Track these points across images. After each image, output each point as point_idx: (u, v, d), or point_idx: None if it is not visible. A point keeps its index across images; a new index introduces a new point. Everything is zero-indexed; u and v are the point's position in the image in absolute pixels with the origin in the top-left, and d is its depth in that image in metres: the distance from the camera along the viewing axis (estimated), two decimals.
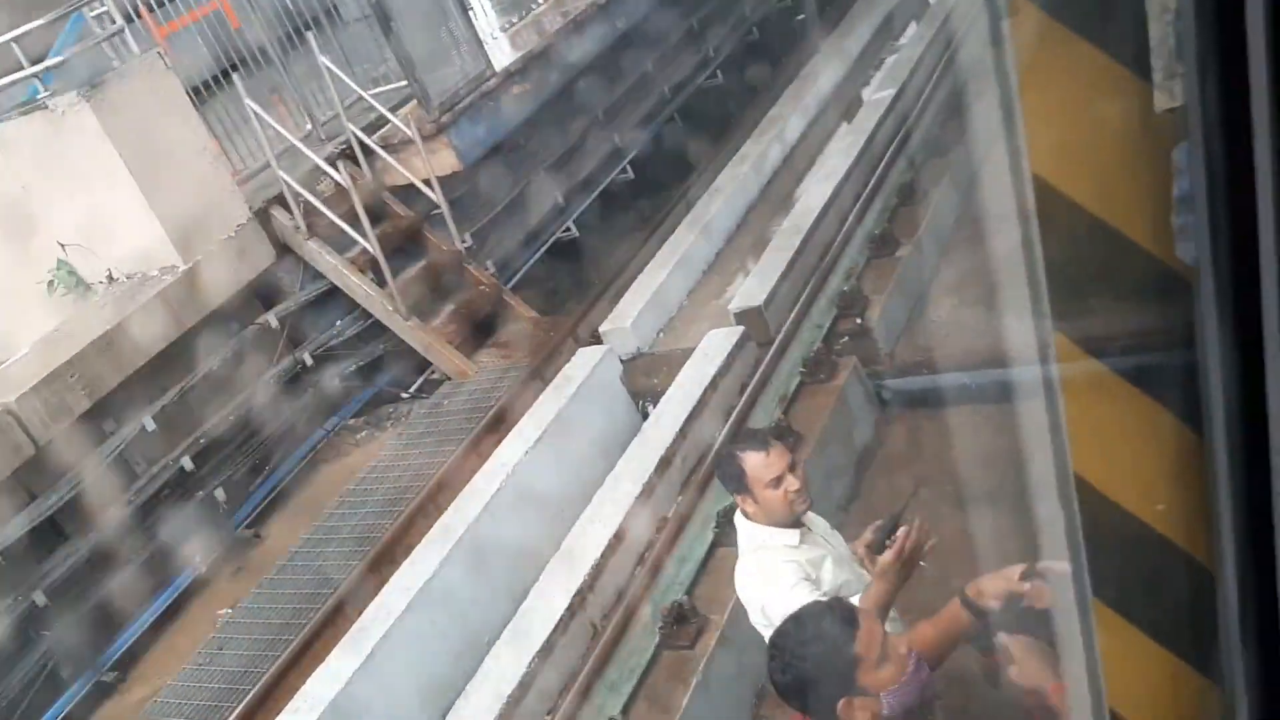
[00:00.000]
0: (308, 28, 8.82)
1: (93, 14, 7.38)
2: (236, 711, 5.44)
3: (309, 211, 8.05)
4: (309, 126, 8.99)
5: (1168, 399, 1.25)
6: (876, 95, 9.36)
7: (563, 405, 6.50)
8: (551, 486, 6.16)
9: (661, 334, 7.64)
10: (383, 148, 8.58)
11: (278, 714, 4.97)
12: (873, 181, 8.13)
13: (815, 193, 8.08)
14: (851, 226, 7.69)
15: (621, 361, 7.20)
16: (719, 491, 5.58)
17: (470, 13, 9.28)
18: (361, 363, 8.43)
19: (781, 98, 10.23)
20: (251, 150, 8.50)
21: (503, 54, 9.54)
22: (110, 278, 7.58)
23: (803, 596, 3.09)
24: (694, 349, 6.82)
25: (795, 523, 3.29)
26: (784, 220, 7.90)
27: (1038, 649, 2.61)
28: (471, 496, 5.99)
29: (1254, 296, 1.01)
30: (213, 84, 8.63)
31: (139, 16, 8.11)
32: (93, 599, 6.64)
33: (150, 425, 7.13)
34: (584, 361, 6.94)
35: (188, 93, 7.88)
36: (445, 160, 8.64)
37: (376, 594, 5.49)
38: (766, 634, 3.38)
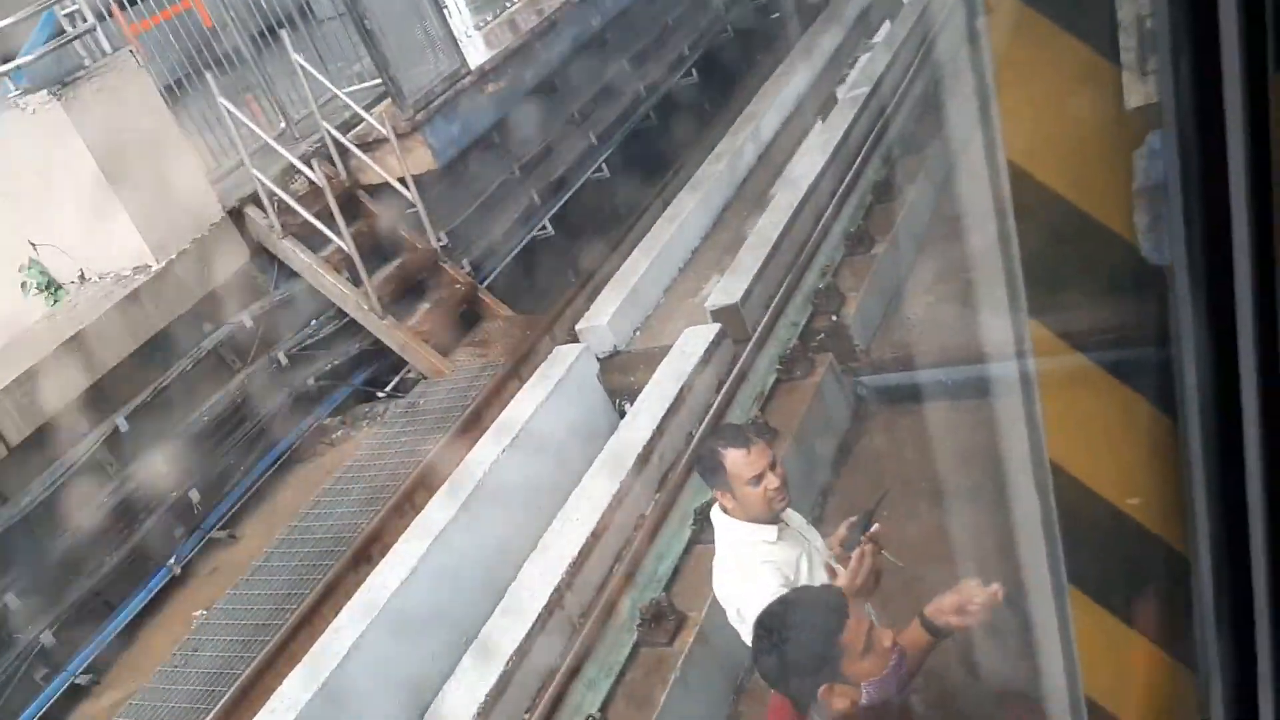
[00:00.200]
0: (281, 26, 8.77)
1: (64, 13, 7.30)
2: (212, 713, 5.40)
3: (283, 210, 8.01)
4: (283, 125, 8.94)
5: (1144, 387, 1.26)
6: (851, 93, 9.39)
7: (539, 403, 6.49)
8: (528, 485, 6.15)
9: (638, 332, 7.64)
10: (358, 146, 8.54)
11: (254, 715, 4.95)
12: (848, 178, 8.16)
13: (791, 190, 8.11)
14: (827, 224, 7.71)
15: (598, 359, 7.20)
16: (697, 488, 5.60)
17: (445, 10, 9.24)
18: (337, 362, 8.39)
19: (757, 95, 10.25)
20: (225, 149, 8.44)
21: (477, 52, 9.52)
22: (83, 277, 7.52)
23: (750, 599, 3.10)
24: (671, 347, 6.82)
25: (774, 520, 3.30)
26: (760, 218, 7.91)
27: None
28: (448, 495, 5.97)
29: (1227, 286, 1.02)
30: (186, 82, 8.57)
31: (110, 15, 8.04)
32: (66, 601, 6.58)
33: (124, 426, 7.08)
34: (560, 360, 6.93)
35: (160, 92, 7.82)
36: (420, 158, 8.61)
37: (353, 593, 5.47)
38: (742, 630, 3.40)
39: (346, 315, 8.30)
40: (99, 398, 7.04)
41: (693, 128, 10.95)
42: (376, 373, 8.58)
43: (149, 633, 6.74)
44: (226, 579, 6.80)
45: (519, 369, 7.56)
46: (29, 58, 7.11)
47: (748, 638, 3.37)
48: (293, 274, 8.21)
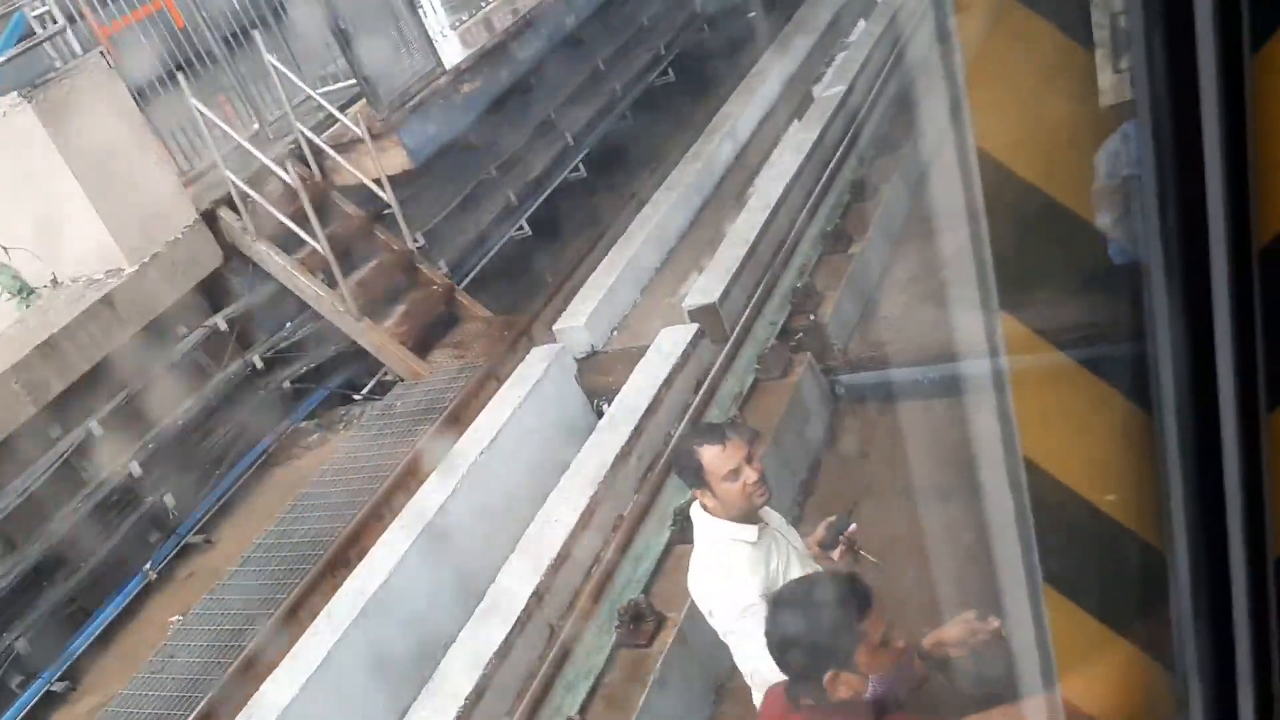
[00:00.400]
0: (254, 26, 8.70)
1: (34, 14, 7.23)
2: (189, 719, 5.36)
3: (257, 212, 7.95)
4: (256, 126, 8.88)
5: (1119, 381, 1.25)
6: (827, 92, 9.41)
7: (517, 405, 6.47)
8: (506, 486, 6.13)
9: (616, 332, 7.63)
10: (332, 147, 8.49)
11: None
12: (825, 178, 8.17)
13: (768, 189, 8.10)
14: (804, 223, 7.72)
15: (576, 360, 7.18)
16: (675, 489, 5.59)
17: (419, 10, 9.20)
18: (313, 365, 8.35)
19: (733, 95, 10.26)
20: (199, 151, 8.37)
21: (453, 51, 9.49)
22: (55, 281, 7.44)
23: (754, 603, 3.09)
24: (649, 347, 6.81)
25: (754, 517, 3.28)
26: (737, 217, 7.91)
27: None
28: (426, 498, 5.95)
29: (1204, 279, 1.00)
30: (158, 84, 8.49)
31: (81, 17, 7.96)
32: (41, 607, 6.52)
33: (97, 430, 7.02)
34: (538, 360, 6.91)
35: (132, 94, 7.75)
36: (395, 159, 8.57)
37: (331, 598, 5.44)
38: (715, 626, 3.39)
39: (322, 318, 8.24)
40: (72, 403, 6.97)
41: (669, 127, 10.94)
42: (353, 375, 8.54)
43: (125, 639, 6.68)
44: (203, 584, 6.75)
45: (497, 370, 7.53)
46: None
47: (723, 636, 3.37)
48: (268, 276, 8.15)
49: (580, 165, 10.72)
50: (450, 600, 5.48)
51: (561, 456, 6.19)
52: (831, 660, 2.46)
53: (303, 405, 8.32)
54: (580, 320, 7.41)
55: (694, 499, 3.39)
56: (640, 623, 5.02)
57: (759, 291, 7.11)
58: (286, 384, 8.19)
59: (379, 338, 8.11)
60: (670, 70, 12.20)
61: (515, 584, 5.24)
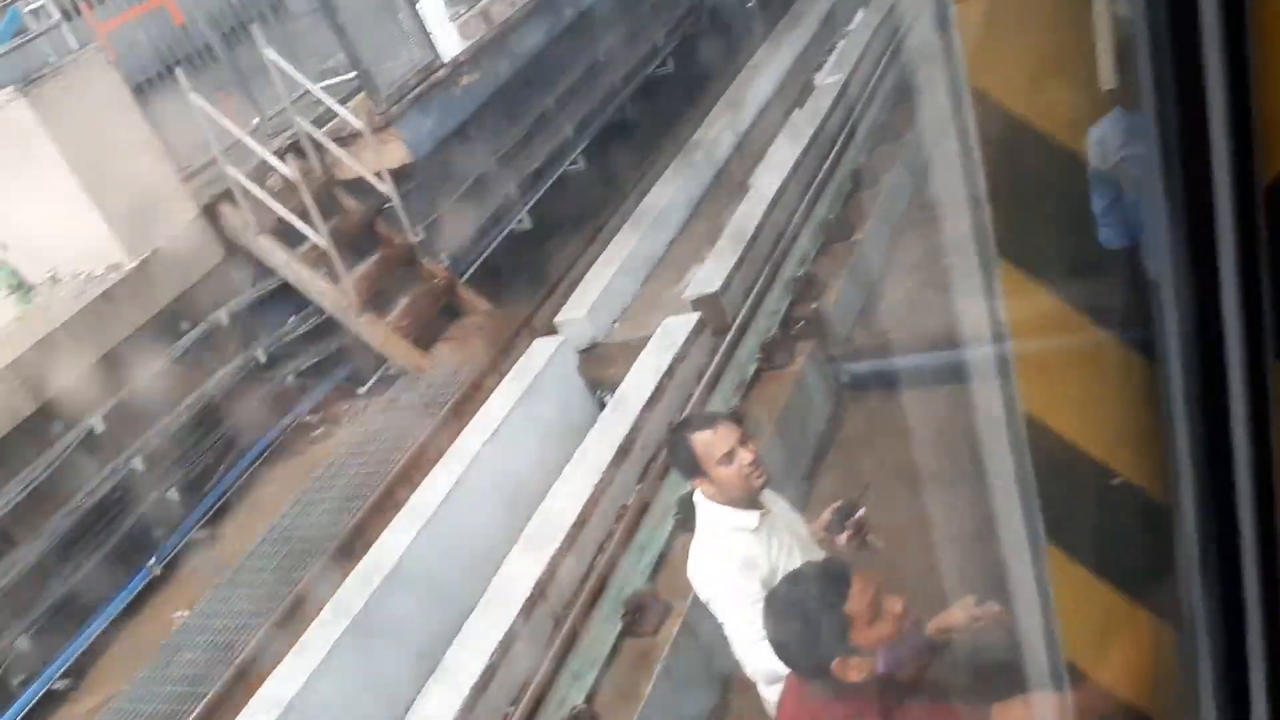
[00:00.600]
0: (253, 21, 8.67)
1: (28, 9, 7.21)
2: (194, 715, 5.35)
3: (258, 207, 7.92)
4: (256, 121, 8.85)
5: (1120, 328, 1.22)
6: (828, 80, 9.37)
7: (519, 397, 6.44)
8: (510, 478, 6.11)
9: (617, 324, 7.61)
10: (332, 141, 8.46)
11: (235, 717, 4.89)
12: (826, 166, 8.15)
13: (769, 179, 8.08)
14: (806, 212, 7.70)
15: (577, 352, 7.15)
16: (678, 479, 5.56)
17: (417, 2, 9.17)
18: (316, 359, 8.33)
19: (733, 84, 10.22)
20: (198, 145, 8.34)
21: (451, 44, 9.44)
22: (54, 278, 7.43)
23: (751, 593, 3.08)
24: (650, 337, 6.78)
25: (754, 502, 3.27)
26: (738, 207, 7.88)
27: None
28: (429, 491, 5.92)
29: (1207, 218, 0.97)
30: (157, 80, 8.47)
31: (78, 12, 7.94)
32: (44, 605, 6.51)
33: (99, 427, 7.01)
34: (540, 353, 6.87)
35: (132, 90, 7.73)
36: (395, 152, 8.54)
37: (335, 592, 5.42)
38: (715, 613, 3.37)
39: (324, 312, 8.22)
40: (74, 399, 6.96)
41: (670, 117, 10.91)
42: (356, 369, 8.52)
43: (129, 635, 6.67)
44: (207, 579, 6.73)
45: (499, 363, 7.51)
46: None
47: (723, 623, 3.36)
48: (269, 271, 8.13)
49: (580, 157, 10.69)
50: (455, 592, 5.46)
51: (564, 448, 6.17)
52: (830, 650, 2.44)
53: (306, 399, 8.30)
54: (581, 312, 7.40)
55: (695, 488, 3.38)
56: (645, 612, 5.01)
57: (761, 280, 7.09)
58: (290, 378, 8.17)
59: (381, 332, 8.09)
60: (670, 61, 12.15)
61: (519, 575, 5.23)
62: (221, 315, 7.82)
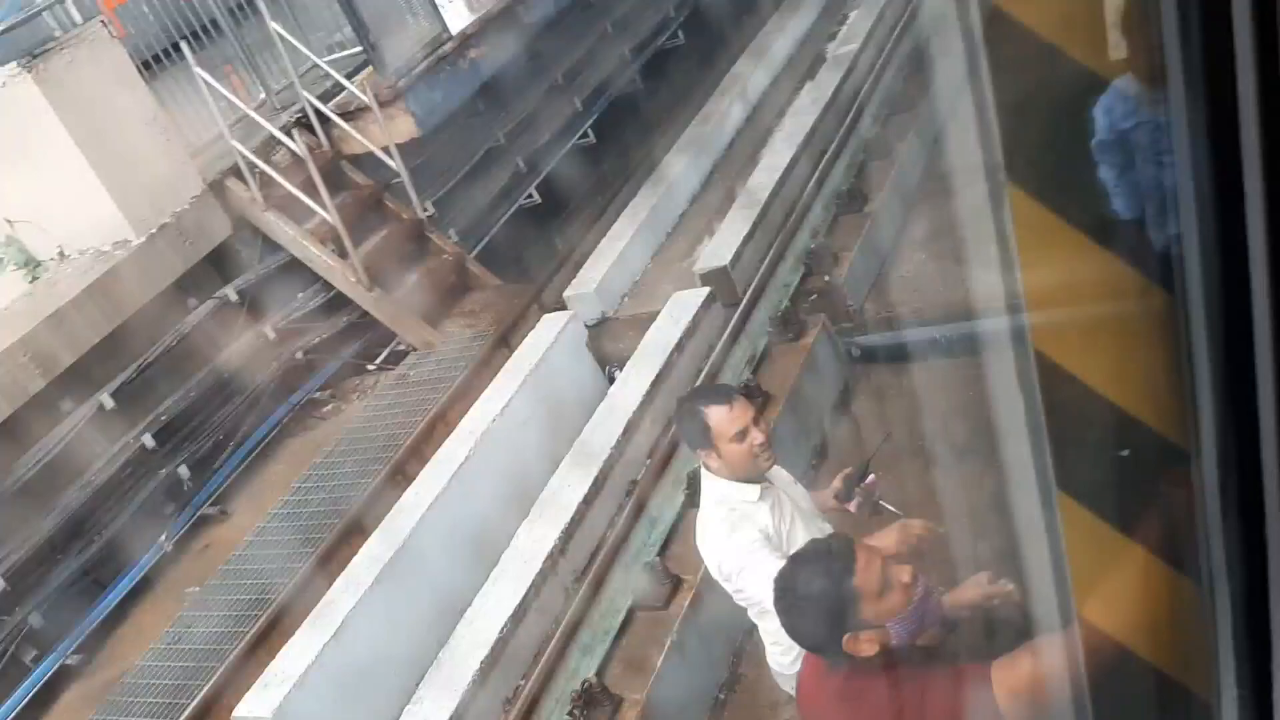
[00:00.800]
0: None
1: None
2: (205, 689, 5.36)
3: (266, 183, 7.89)
4: (263, 95, 8.81)
5: (1137, 257, 1.15)
6: (840, 50, 9.28)
7: (529, 372, 6.41)
8: (519, 453, 6.09)
9: (626, 298, 7.56)
10: (339, 115, 8.41)
11: (246, 690, 4.90)
12: (839, 137, 8.07)
13: (780, 150, 8.02)
14: (818, 183, 7.63)
15: (586, 327, 7.11)
16: (688, 454, 5.53)
17: None
18: (325, 335, 8.30)
19: (745, 56, 10.13)
20: (205, 121, 8.30)
21: (459, 16, 9.36)
22: (62, 254, 7.41)
23: (759, 556, 3.07)
24: (660, 312, 6.74)
25: (758, 478, 3.26)
26: (749, 179, 7.81)
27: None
28: (440, 466, 5.91)
29: (1230, 121, 0.90)
30: (163, 55, 8.43)
31: None
32: (55, 581, 6.52)
33: (109, 403, 7.00)
34: (549, 328, 6.84)
35: (137, 65, 7.69)
36: (403, 127, 8.49)
37: (346, 567, 5.42)
38: (722, 581, 3.36)
39: (334, 288, 8.19)
40: (83, 375, 6.95)
41: (680, 89, 10.82)
42: (366, 345, 8.50)
43: (141, 611, 6.68)
44: (219, 555, 6.74)
45: (508, 338, 7.49)
46: None
47: (733, 595, 3.35)
48: (278, 247, 8.10)
49: (590, 130, 10.61)
50: (466, 566, 5.45)
51: (574, 423, 6.15)
52: (841, 626, 2.41)
53: (316, 376, 8.28)
54: (591, 287, 7.35)
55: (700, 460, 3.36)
56: (657, 586, 4.99)
57: (772, 253, 7.04)
58: (300, 355, 8.15)
59: (391, 307, 8.06)
60: (680, 33, 12.04)
61: (530, 549, 5.22)
62: (229, 291, 7.79)
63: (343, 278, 8.03)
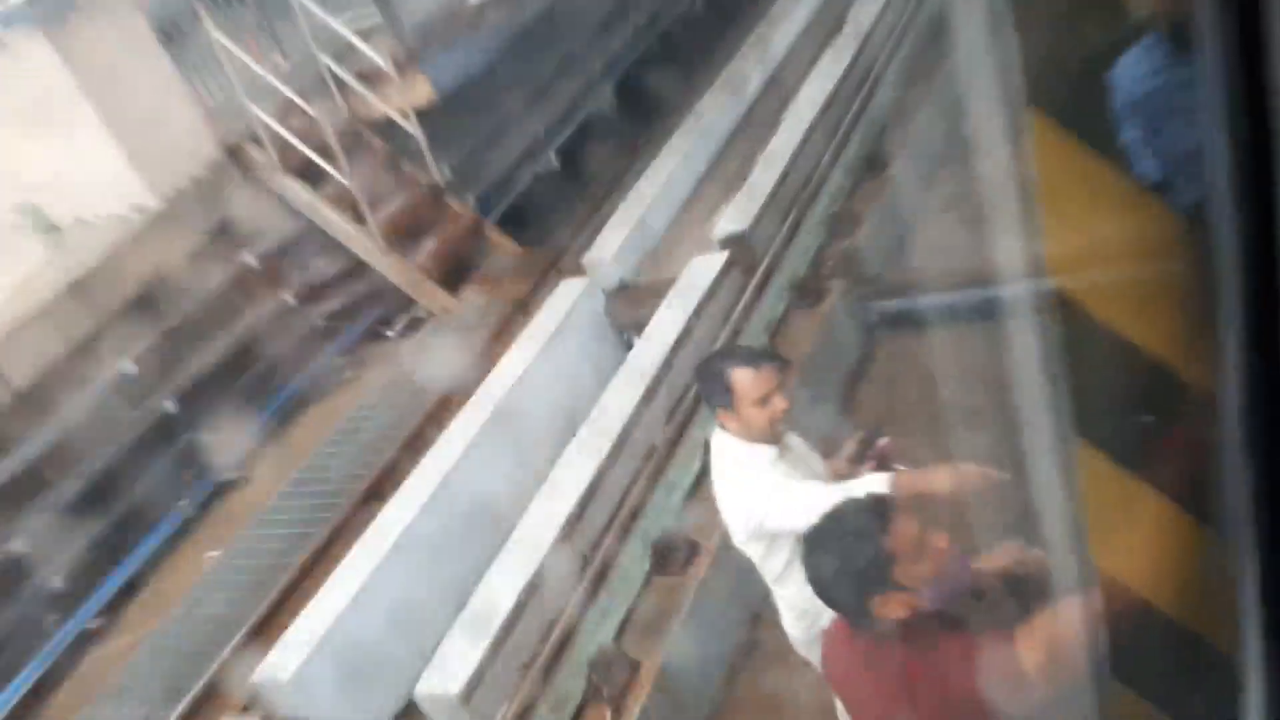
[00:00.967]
0: None
1: None
2: (225, 652, 5.40)
3: (283, 148, 7.87)
4: (280, 60, 8.77)
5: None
6: (861, 14, 9.15)
7: (546, 338, 6.40)
8: (537, 419, 6.09)
9: (645, 264, 7.52)
10: (357, 79, 8.37)
11: (266, 654, 4.93)
12: (860, 101, 7.98)
13: (801, 114, 7.93)
14: (839, 147, 7.55)
15: (604, 293, 7.08)
16: (706, 419, 5.51)
17: None
18: (344, 302, 8.31)
19: (765, 20, 10.02)
20: (222, 85, 8.28)
21: None
22: (81, 220, 7.43)
23: (787, 487, 3.11)
24: (678, 278, 6.70)
25: (775, 441, 3.25)
26: (769, 143, 7.74)
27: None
28: (457, 432, 5.91)
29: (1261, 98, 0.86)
30: (180, 20, 8.39)
31: None
32: (76, 546, 6.58)
33: (130, 369, 7.03)
34: (566, 294, 6.82)
35: (155, 29, 7.66)
36: (420, 91, 8.44)
37: (365, 532, 5.44)
38: (750, 551, 3.35)
39: (352, 254, 8.19)
40: (102, 342, 6.98)
41: (701, 53, 10.71)
42: (385, 312, 8.50)
43: (162, 576, 6.74)
44: (239, 521, 6.78)
45: (526, 304, 7.47)
46: None
47: (752, 555, 3.34)
48: (296, 213, 8.09)
49: (609, 94, 10.53)
50: (483, 531, 5.45)
51: (591, 389, 6.13)
52: (873, 587, 2.38)
53: (335, 342, 8.30)
54: (608, 253, 7.31)
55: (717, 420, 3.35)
56: (673, 551, 4.99)
57: (791, 218, 6.98)
58: (319, 321, 8.16)
59: (409, 273, 8.06)
60: None
61: (547, 514, 5.21)
62: (247, 257, 7.80)
63: (360, 243, 8.03)
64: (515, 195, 9.40)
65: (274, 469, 7.32)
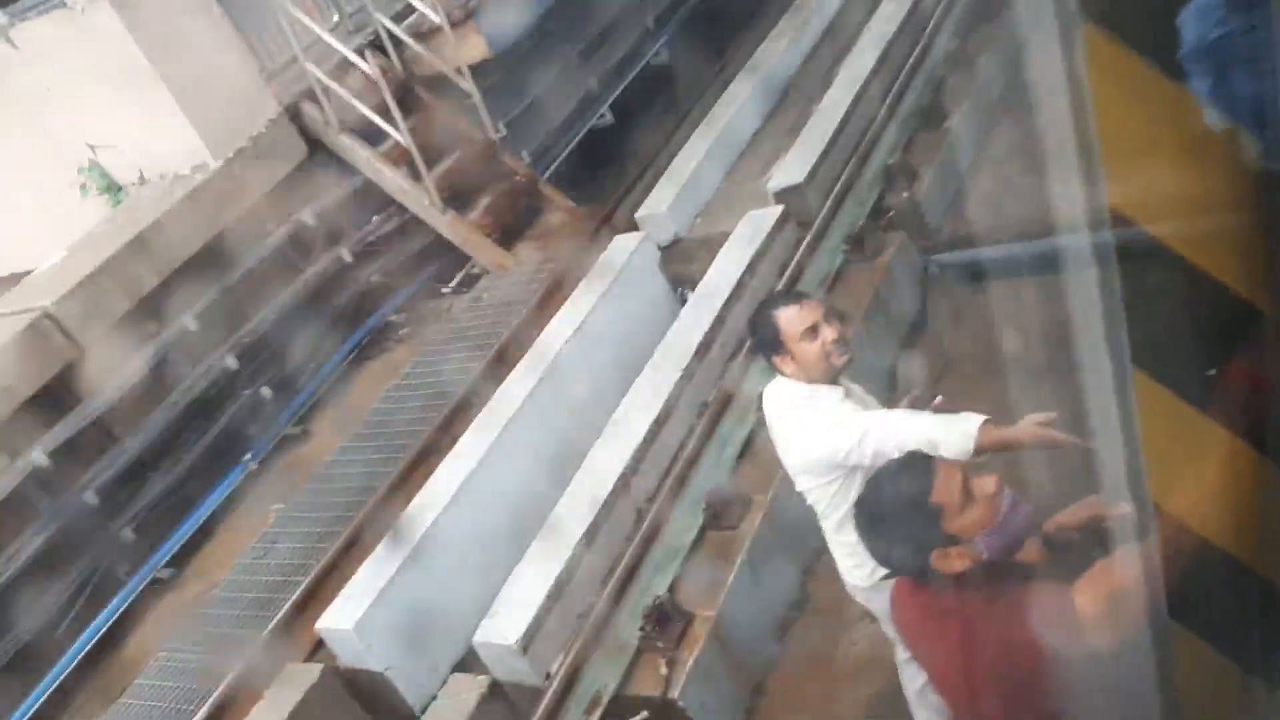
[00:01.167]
0: None
1: None
2: (290, 600, 5.51)
3: (340, 106, 7.90)
4: (336, 18, 8.78)
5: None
6: None
7: (601, 294, 6.41)
8: (592, 375, 6.11)
9: (699, 218, 7.49)
10: (412, 37, 8.37)
11: (329, 603, 5.04)
12: (918, 51, 7.84)
13: (858, 65, 7.81)
14: (896, 98, 7.44)
15: (659, 248, 7.07)
16: (760, 375, 5.49)
17: None
18: (400, 259, 8.36)
19: None
20: (280, 45, 8.32)
21: None
22: (142, 178, 7.54)
23: (847, 411, 3.12)
24: (733, 232, 6.66)
25: (835, 379, 3.24)
26: (825, 95, 7.63)
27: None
28: (514, 387, 5.96)
29: None
30: None
31: None
32: (144, 500, 6.74)
33: (192, 325, 7.15)
34: (621, 249, 6.81)
35: None
36: (475, 47, 8.43)
37: (423, 487, 5.51)
38: (815, 495, 3.33)
39: (408, 211, 8.23)
40: (166, 298, 7.10)
41: (758, 3, 10.55)
42: (441, 268, 8.54)
43: (228, 527, 6.88)
44: (302, 474, 6.90)
45: (581, 260, 7.46)
46: None
47: (817, 499, 3.33)
48: (353, 170, 8.14)
49: (663, 49, 10.44)
50: (541, 485, 5.50)
51: (646, 344, 6.13)
52: (927, 544, 2.38)
53: (392, 299, 8.37)
54: (663, 207, 7.28)
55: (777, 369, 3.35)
56: (727, 505, 5.01)
57: (848, 170, 6.89)
58: (375, 277, 8.23)
59: (464, 230, 8.08)
60: None
61: (603, 468, 5.25)
62: (306, 214, 7.86)
63: (416, 200, 8.06)
64: (570, 151, 9.37)
65: (334, 424, 7.43)
